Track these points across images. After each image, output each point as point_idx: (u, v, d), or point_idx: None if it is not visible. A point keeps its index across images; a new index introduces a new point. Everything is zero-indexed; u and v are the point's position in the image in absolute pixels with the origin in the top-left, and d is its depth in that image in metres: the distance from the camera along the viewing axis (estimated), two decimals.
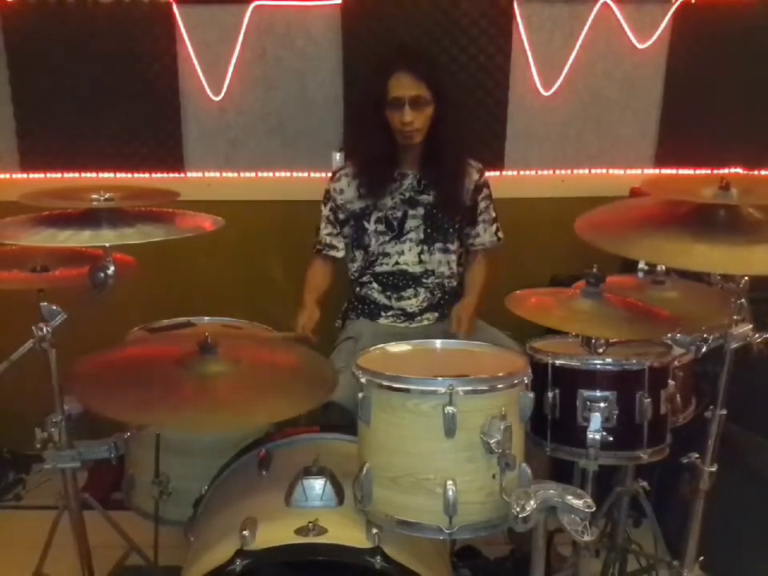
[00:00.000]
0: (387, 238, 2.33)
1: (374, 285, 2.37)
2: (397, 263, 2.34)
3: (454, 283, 2.40)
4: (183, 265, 2.84)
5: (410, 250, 2.34)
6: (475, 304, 2.31)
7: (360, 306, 2.42)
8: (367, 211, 2.34)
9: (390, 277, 2.36)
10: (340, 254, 2.41)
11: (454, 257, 2.38)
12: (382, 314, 2.38)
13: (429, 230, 2.34)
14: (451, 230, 2.36)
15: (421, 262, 2.34)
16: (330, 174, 2.45)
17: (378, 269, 2.36)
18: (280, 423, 1.81)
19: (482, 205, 2.42)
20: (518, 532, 1.28)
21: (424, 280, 2.36)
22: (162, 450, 1.83)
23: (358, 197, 2.34)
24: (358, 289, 2.43)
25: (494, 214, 2.44)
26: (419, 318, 2.37)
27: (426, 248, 2.34)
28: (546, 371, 1.70)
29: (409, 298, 2.36)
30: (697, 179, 2.51)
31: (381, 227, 2.33)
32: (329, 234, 2.39)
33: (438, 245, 2.35)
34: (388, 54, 2.40)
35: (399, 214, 2.33)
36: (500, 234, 2.46)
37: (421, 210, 2.33)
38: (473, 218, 2.41)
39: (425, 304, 2.36)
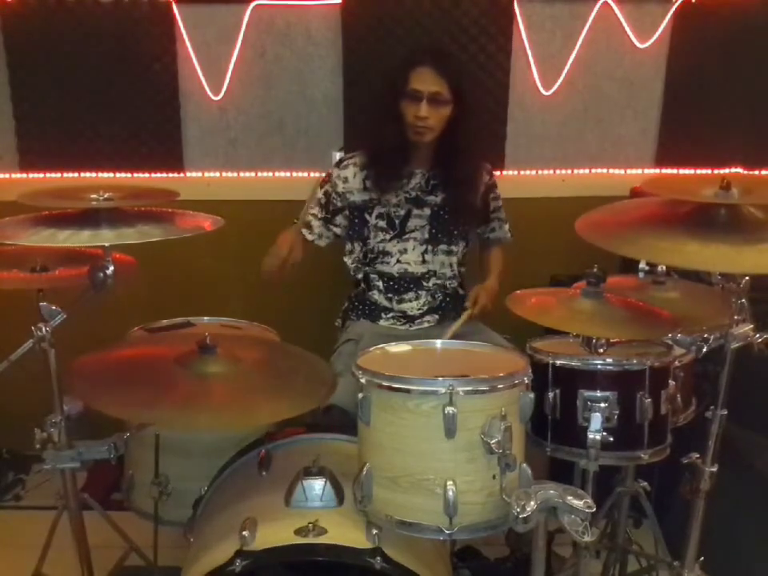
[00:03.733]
0: (388, 237, 2.32)
1: (379, 284, 2.36)
2: (399, 262, 2.33)
3: (455, 284, 2.40)
4: (183, 265, 2.84)
5: (413, 249, 2.32)
6: (496, 288, 2.32)
7: (360, 307, 2.41)
8: (370, 204, 2.32)
9: (390, 279, 2.35)
10: (310, 237, 2.34)
11: (456, 258, 2.38)
12: (383, 315, 2.37)
13: (434, 231, 2.32)
14: (456, 232, 2.35)
15: (424, 262, 2.33)
16: (340, 159, 2.41)
17: (379, 267, 2.35)
18: (280, 422, 1.81)
19: (494, 204, 2.44)
20: (515, 535, 1.28)
21: (425, 282, 2.35)
22: (161, 451, 1.82)
23: (363, 189, 2.31)
24: (359, 288, 2.42)
25: (504, 215, 2.48)
26: (419, 320, 2.36)
27: (430, 248, 2.33)
28: (546, 371, 1.70)
29: (410, 301, 2.35)
30: (697, 179, 2.52)
31: (381, 223, 2.32)
32: (312, 215, 2.35)
33: (443, 246, 2.34)
34: (414, 48, 2.40)
35: (402, 212, 2.31)
36: (511, 231, 2.50)
37: (427, 211, 2.32)
38: (485, 217, 2.43)
39: (425, 307, 2.36)
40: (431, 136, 2.21)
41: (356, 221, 2.34)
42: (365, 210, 2.33)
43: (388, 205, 2.31)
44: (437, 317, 2.37)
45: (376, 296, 2.37)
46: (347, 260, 2.41)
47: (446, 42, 2.78)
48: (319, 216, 2.36)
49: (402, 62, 2.23)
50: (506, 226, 2.48)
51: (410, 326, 2.36)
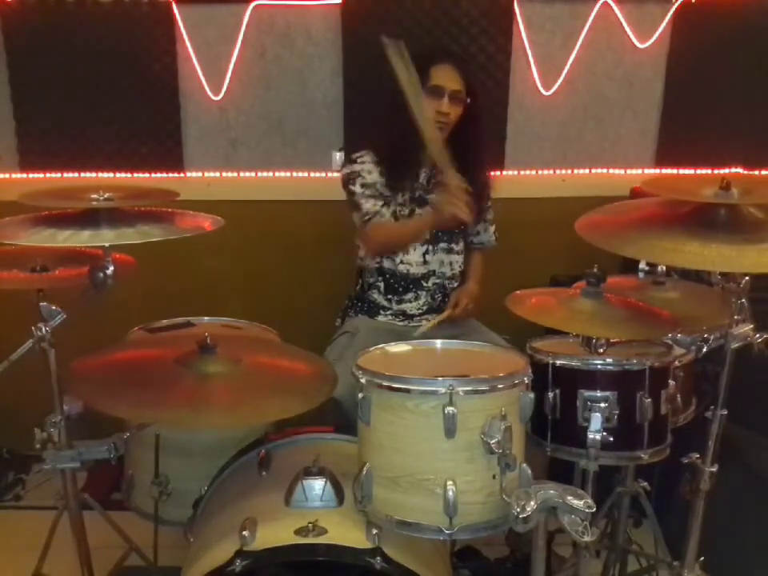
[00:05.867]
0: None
1: (381, 284, 2.36)
2: (401, 262, 2.32)
3: (455, 284, 2.40)
4: (183, 265, 2.84)
5: (414, 250, 2.32)
6: (476, 291, 2.33)
7: (359, 305, 2.42)
8: (391, 197, 2.30)
9: (391, 278, 2.35)
10: (386, 219, 2.28)
11: (456, 257, 2.37)
12: (381, 313, 2.37)
13: (434, 230, 2.32)
14: (457, 231, 2.35)
15: (425, 263, 2.33)
16: (349, 158, 2.35)
17: (383, 263, 2.34)
18: (280, 421, 1.81)
19: (485, 205, 2.43)
20: (515, 535, 1.28)
21: (424, 282, 2.35)
22: (161, 451, 1.82)
23: (384, 183, 2.27)
24: (358, 287, 2.42)
25: (492, 216, 2.46)
26: (418, 318, 2.36)
27: (430, 248, 2.33)
28: (546, 371, 1.70)
29: (409, 301, 2.35)
30: (697, 179, 2.52)
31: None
32: (374, 205, 2.26)
33: (443, 245, 2.34)
34: (429, 46, 2.44)
35: (406, 211, 2.30)
36: (496, 235, 2.50)
37: (429, 210, 2.31)
38: (478, 219, 2.41)
39: (425, 307, 2.36)
40: (447, 132, 2.22)
41: None
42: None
43: (394, 203, 2.30)
44: (436, 314, 2.36)
45: (375, 295, 2.37)
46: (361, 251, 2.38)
47: (446, 42, 2.78)
48: (380, 204, 2.26)
49: (420, 59, 2.17)
50: (492, 229, 2.48)
51: (409, 323, 2.36)
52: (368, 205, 2.27)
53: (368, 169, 2.29)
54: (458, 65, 2.22)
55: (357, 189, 2.28)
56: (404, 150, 2.23)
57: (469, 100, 2.23)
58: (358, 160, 2.31)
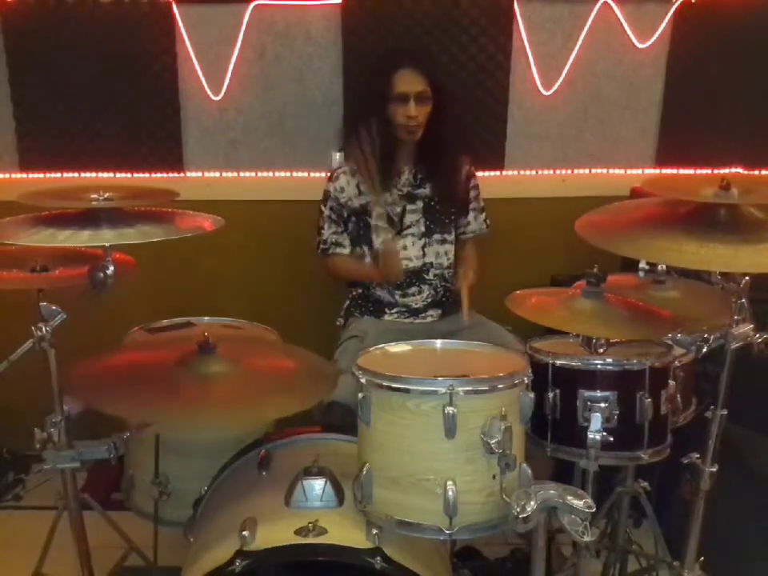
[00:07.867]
0: (390, 236, 2.34)
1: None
2: (401, 258, 2.34)
3: (452, 273, 2.42)
4: (183, 265, 2.84)
5: (413, 245, 2.36)
6: (473, 279, 2.35)
7: (363, 304, 2.43)
8: (368, 207, 2.35)
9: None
10: (347, 251, 2.40)
11: (450, 247, 2.41)
12: (387, 310, 2.39)
13: (428, 223, 2.36)
14: (448, 221, 2.40)
15: (424, 255, 2.36)
16: (327, 175, 2.46)
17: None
18: (280, 422, 1.81)
19: (472, 194, 2.48)
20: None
21: (426, 275, 2.37)
22: (161, 451, 1.83)
23: (359, 194, 2.35)
24: (361, 289, 2.42)
25: (482, 203, 2.50)
26: (423, 314, 2.38)
27: (427, 241, 2.37)
28: (546, 371, 1.70)
29: (413, 295, 2.37)
30: (697, 179, 2.52)
31: (381, 223, 2.34)
32: (334, 233, 2.39)
33: (437, 236, 2.38)
34: (390, 50, 2.46)
35: (398, 209, 2.35)
36: (488, 222, 2.52)
37: (420, 204, 2.36)
38: (465, 207, 2.46)
39: (429, 300, 2.38)
40: (420, 132, 2.27)
41: (361, 224, 2.37)
42: (365, 213, 2.36)
43: (384, 205, 2.34)
44: (440, 311, 2.39)
45: (379, 292, 2.39)
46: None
47: (446, 42, 2.79)
48: (340, 231, 2.39)
49: (381, 67, 2.28)
50: (482, 216, 2.50)
51: (414, 320, 2.38)
52: (328, 232, 2.38)
53: (341, 185, 2.36)
54: (419, 65, 2.24)
55: (325, 211, 2.39)
56: (383, 154, 2.29)
57: (435, 95, 2.24)
58: (335, 175, 2.39)
